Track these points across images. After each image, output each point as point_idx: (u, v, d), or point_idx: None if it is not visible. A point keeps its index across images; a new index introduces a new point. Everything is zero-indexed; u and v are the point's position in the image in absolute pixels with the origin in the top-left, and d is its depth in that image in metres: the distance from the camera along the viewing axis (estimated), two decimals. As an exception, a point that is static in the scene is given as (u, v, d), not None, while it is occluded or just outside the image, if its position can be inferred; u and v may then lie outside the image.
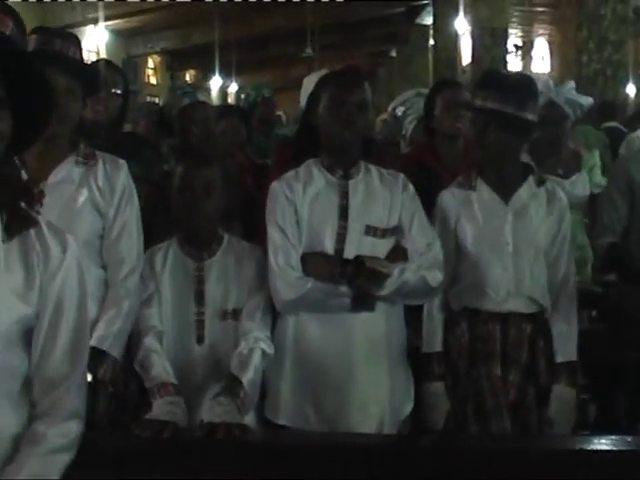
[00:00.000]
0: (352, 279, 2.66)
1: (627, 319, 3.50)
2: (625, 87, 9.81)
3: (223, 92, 23.04)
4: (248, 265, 2.78)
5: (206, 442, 2.36)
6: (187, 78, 21.56)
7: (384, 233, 2.76)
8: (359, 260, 2.67)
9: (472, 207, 2.95)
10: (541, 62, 21.18)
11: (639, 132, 7.19)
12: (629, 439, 2.53)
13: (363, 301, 2.69)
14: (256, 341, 2.66)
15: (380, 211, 2.77)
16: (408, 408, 2.86)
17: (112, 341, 2.60)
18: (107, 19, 13.59)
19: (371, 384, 2.76)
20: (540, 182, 3.00)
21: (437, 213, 2.98)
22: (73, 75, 2.57)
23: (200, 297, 2.74)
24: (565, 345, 2.94)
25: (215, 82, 21.32)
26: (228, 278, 2.76)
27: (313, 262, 2.71)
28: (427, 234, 2.80)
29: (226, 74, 20.72)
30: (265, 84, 7.29)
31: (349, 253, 2.72)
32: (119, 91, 3.74)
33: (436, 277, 2.74)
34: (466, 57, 15.99)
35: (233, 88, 23.46)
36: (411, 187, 2.84)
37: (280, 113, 9.89)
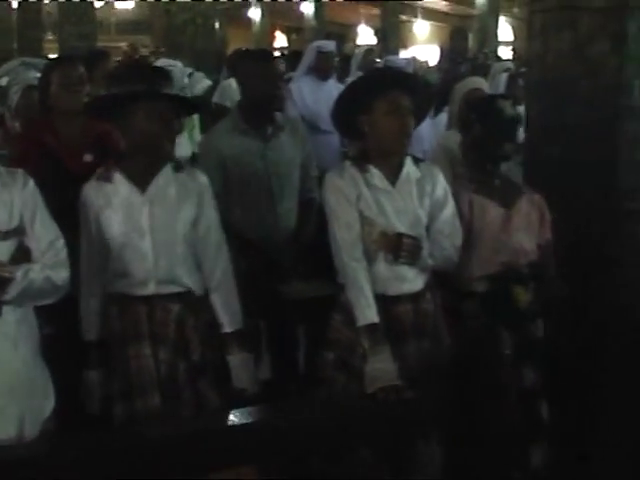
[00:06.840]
0: None
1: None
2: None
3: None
4: None
5: None
6: None
7: (5, 235, 2.66)
8: None
9: (112, 200, 3.06)
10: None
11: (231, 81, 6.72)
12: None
13: None
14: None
15: (0, 213, 2.66)
16: (50, 406, 2.80)
17: None
18: None
19: (4, 388, 2.66)
20: (177, 168, 3.12)
21: (80, 206, 3.09)
22: None
23: None
24: (230, 316, 3.15)
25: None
26: None
27: None
28: (50, 231, 2.76)
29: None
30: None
31: None
32: None
33: (61, 275, 2.74)
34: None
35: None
36: (31, 182, 2.74)
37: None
